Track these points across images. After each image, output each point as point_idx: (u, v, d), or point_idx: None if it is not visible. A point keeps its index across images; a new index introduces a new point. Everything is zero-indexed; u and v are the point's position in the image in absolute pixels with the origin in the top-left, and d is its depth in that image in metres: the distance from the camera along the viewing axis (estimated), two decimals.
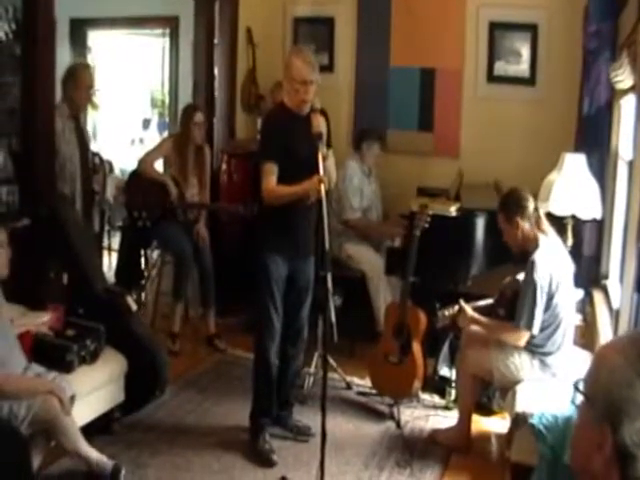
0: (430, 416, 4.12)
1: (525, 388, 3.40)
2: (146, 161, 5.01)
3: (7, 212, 3.84)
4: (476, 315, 3.66)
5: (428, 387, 4.31)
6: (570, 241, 4.07)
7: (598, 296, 4.16)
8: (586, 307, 4.18)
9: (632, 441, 1.06)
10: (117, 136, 8.55)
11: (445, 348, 4.37)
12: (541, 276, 3.37)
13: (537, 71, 5.20)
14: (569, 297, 3.54)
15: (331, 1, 5.81)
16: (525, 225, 3.50)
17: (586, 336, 3.94)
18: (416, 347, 4.06)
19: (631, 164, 3.61)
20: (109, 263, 6.09)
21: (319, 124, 3.42)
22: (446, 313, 3.74)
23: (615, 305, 3.70)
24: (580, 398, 1.16)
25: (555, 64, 5.10)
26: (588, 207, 4.03)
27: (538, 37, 5.15)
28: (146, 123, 8.84)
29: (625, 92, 3.87)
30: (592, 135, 4.28)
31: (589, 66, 4.29)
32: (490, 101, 5.36)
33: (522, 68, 5.26)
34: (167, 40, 7.46)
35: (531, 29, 5.17)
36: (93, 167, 4.94)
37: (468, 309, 3.68)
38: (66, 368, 3.30)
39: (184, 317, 5.24)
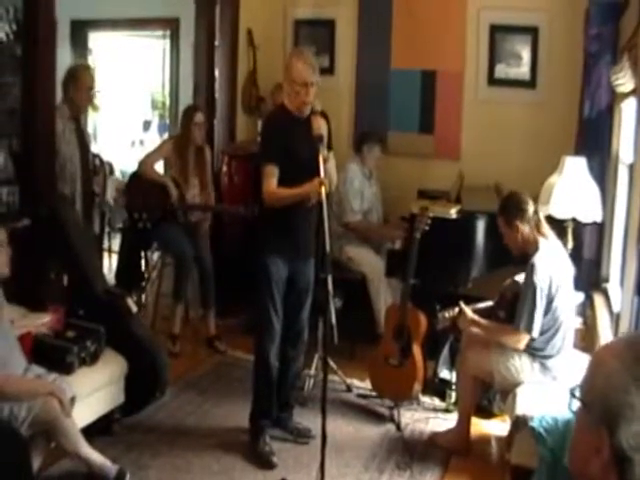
0: (430, 418, 4.12)
1: (525, 391, 3.40)
2: (146, 162, 5.01)
3: (7, 212, 3.84)
4: (476, 317, 3.66)
5: (428, 389, 4.31)
6: (570, 244, 4.08)
7: (598, 299, 4.16)
8: (586, 310, 4.18)
9: (629, 445, 1.06)
10: (117, 138, 8.55)
11: (445, 350, 4.37)
12: (541, 279, 3.37)
13: (538, 74, 5.21)
14: (569, 300, 3.54)
15: (332, 3, 5.82)
16: (525, 228, 3.50)
17: (586, 339, 3.94)
18: (416, 349, 4.06)
19: (631, 167, 3.61)
20: (109, 265, 6.09)
21: (320, 126, 3.42)
22: (446, 315, 3.75)
23: (615, 308, 3.70)
24: (577, 404, 1.16)
25: (556, 67, 5.11)
26: (588, 210, 4.03)
27: (539, 40, 5.16)
28: (146, 125, 8.85)
29: (626, 95, 3.87)
30: (593, 138, 4.29)
31: (590, 69, 4.30)
32: (491, 104, 5.36)
33: (523, 71, 5.27)
34: (168, 42, 7.46)
35: (532, 32, 5.18)
36: (94, 168, 4.94)
37: (468, 311, 3.68)
38: (66, 369, 3.30)
39: (184, 318, 5.24)
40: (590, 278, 4.30)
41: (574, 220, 4.08)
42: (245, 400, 3.87)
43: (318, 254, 3.43)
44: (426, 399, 4.30)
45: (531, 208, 3.53)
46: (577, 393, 1.17)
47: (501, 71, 5.34)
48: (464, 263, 4.39)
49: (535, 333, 3.41)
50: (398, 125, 5.66)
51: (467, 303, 3.75)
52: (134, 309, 3.92)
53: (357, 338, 4.74)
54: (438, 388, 4.33)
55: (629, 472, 1.07)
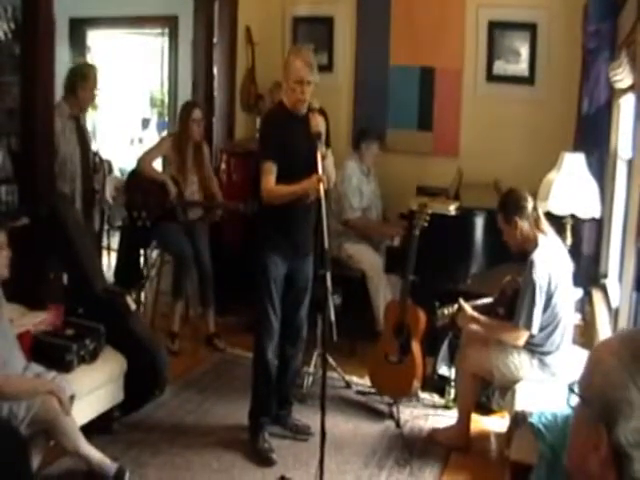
0: (429, 415, 4.13)
1: (524, 387, 3.40)
2: (145, 160, 5.00)
3: (6, 211, 3.84)
4: (475, 314, 3.66)
5: (427, 386, 4.31)
6: (569, 240, 4.08)
7: (597, 295, 4.16)
8: (585, 306, 4.19)
9: (628, 441, 1.06)
10: (116, 136, 8.55)
11: (444, 347, 4.37)
12: (540, 275, 3.38)
13: (536, 70, 5.20)
14: (568, 296, 3.55)
15: (330, 0, 5.81)
16: (524, 225, 3.50)
17: (585, 335, 3.95)
18: (415, 346, 4.06)
19: (630, 163, 3.62)
20: (108, 263, 6.09)
21: (318, 124, 3.42)
22: (445, 312, 3.75)
23: (614, 304, 3.71)
24: (575, 400, 1.16)
25: (554, 63, 5.10)
26: (587, 206, 4.03)
27: (537, 36, 5.15)
28: (145, 123, 8.85)
29: (624, 91, 3.87)
30: (591, 134, 4.28)
31: (588, 65, 4.29)
32: (489, 100, 5.36)
33: (521, 67, 5.26)
34: (166, 39, 7.45)
35: (530, 28, 5.17)
36: (94, 167, 4.94)
37: (467, 308, 3.68)
38: (65, 368, 3.30)
39: (184, 317, 5.25)
40: (589, 274, 4.30)
41: (573, 216, 4.08)
42: (244, 398, 3.87)
43: (317, 251, 3.43)
44: (425, 396, 4.31)
45: (530, 205, 3.53)
46: (575, 389, 1.17)
47: (500, 68, 5.33)
48: (463, 260, 4.39)
49: (534, 330, 3.41)
50: (397, 122, 5.66)
51: (466, 300, 3.75)
52: (133, 307, 3.93)
53: (356, 335, 4.75)
54: (437, 385, 4.34)
55: (628, 469, 1.07)
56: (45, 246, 3.85)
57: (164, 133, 7.57)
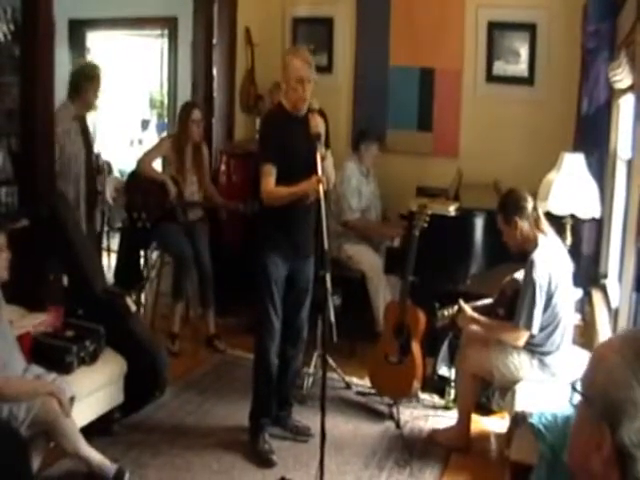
0: (429, 416, 4.13)
1: (524, 387, 3.40)
2: (145, 160, 5.01)
3: (6, 213, 3.84)
4: (475, 315, 3.66)
5: (427, 387, 4.31)
6: (569, 240, 4.08)
7: (597, 295, 4.16)
8: (585, 306, 4.19)
9: (631, 441, 1.06)
10: (116, 137, 8.54)
11: (444, 348, 4.37)
12: (540, 276, 3.37)
13: (536, 71, 5.21)
14: (568, 296, 3.54)
15: (330, 1, 5.81)
16: (524, 225, 3.50)
17: (585, 335, 3.95)
18: (415, 347, 4.06)
19: (630, 163, 3.62)
20: (108, 264, 6.09)
21: (317, 124, 3.42)
22: (445, 313, 3.74)
23: (614, 304, 3.71)
24: (578, 398, 1.15)
25: (554, 64, 5.10)
26: (587, 206, 4.03)
27: (537, 37, 5.16)
28: (145, 124, 8.85)
29: (624, 91, 3.87)
30: (591, 134, 4.28)
31: (588, 66, 4.29)
32: (489, 101, 5.36)
33: (521, 68, 5.26)
34: (166, 41, 7.44)
35: (530, 29, 5.17)
36: (97, 168, 4.95)
37: (467, 309, 3.68)
38: (65, 369, 3.30)
39: (184, 318, 5.25)
40: (589, 274, 4.31)
41: (573, 216, 4.08)
42: (245, 399, 3.87)
43: (317, 252, 3.43)
44: (425, 396, 4.31)
45: (530, 205, 3.53)
46: (578, 387, 1.16)
47: (499, 68, 5.33)
48: (463, 260, 4.39)
49: (535, 330, 3.41)
50: (397, 123, 5.66)
51: (466, 300, 3.75)
52: (133, 308, 3.93)
53: (356, 336, 4.74)
54: (437, 385, 4.34)
55: (632, 469, 1.06)
56: (45, 247, 3.84)
57: (164, 134, 7.57)
